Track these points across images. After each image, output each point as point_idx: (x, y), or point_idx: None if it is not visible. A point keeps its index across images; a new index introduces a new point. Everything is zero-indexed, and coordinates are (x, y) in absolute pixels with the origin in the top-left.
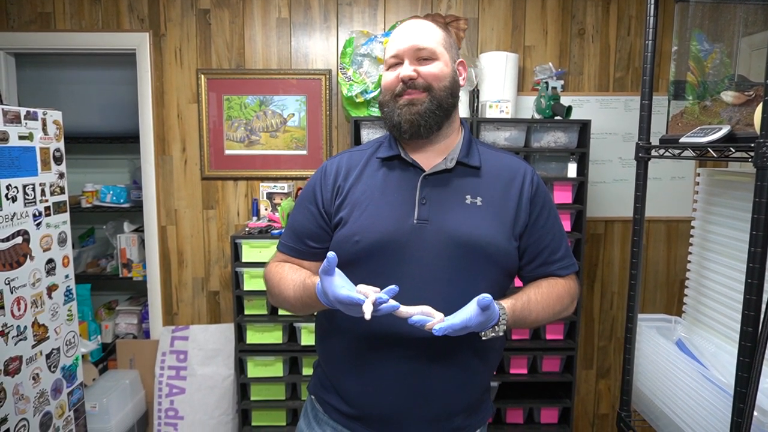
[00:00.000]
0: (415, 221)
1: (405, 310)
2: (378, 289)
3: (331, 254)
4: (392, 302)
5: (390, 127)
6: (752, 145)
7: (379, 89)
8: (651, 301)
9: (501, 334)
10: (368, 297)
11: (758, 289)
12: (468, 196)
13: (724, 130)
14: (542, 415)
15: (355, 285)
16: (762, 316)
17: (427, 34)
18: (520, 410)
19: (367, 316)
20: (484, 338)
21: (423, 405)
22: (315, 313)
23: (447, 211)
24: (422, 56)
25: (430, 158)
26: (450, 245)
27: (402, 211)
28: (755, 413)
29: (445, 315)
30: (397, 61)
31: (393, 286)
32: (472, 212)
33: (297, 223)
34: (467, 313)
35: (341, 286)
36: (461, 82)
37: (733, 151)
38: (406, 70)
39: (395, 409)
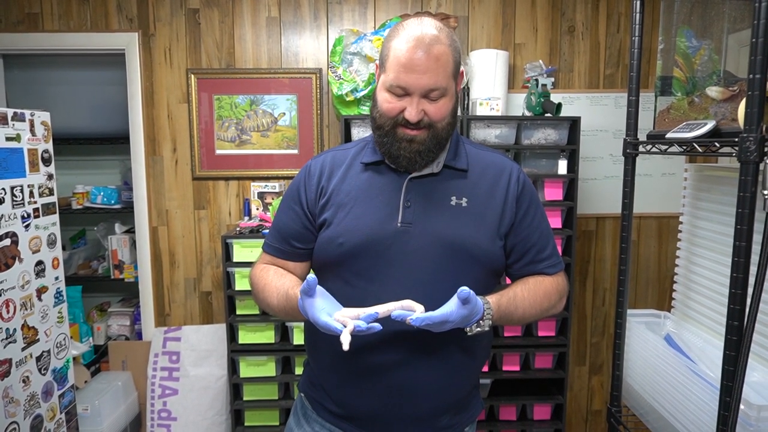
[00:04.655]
0: (398, 224)
1: (387, 307)
2: (358, 313)
3: (311, 277)
4: (374, 325)
5: (386, 154)
6: (736, 139)
7: (369, 87)
8: (643, 297)
9: (487, 329)
10: (346, 326)
11: (743, 283)
12: (453, 197)
13: (709, 125)
14: (535, 412)
15: (341, 286)
16: (747, 310)
17: (442, 69)
18: (513, 407)
19: (345, 347)
20: (469, 333)
21: (410, 404)
22: None
23: (431, 214)
24: (432, 97)
25: None
26: (434, 248)
27: (386, 214)
28: (741, 406)
29: None
30: (403, 93)
31: (372, 312)
32: (457, 213)
33: (282, 223)
34: (447, 307)
35: (321, 309)
36: (458, 89)
37: (718, 146)
38: (413, 113)
39: (383, 408)
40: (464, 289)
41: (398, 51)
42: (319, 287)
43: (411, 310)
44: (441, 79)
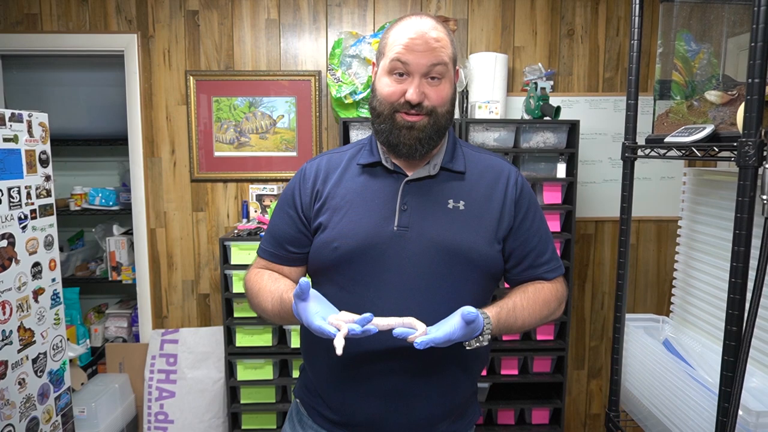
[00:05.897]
0: (395, 228)
1: (388, 322)
2: (353, 317)
3: (303, 281)
4: (369, 328)
5: (384, 143)
6: (735, 144)
7: (368, 90)
8: (641, 302)
9: (486, 343)
10: (340, 330)
11: (742, 288)
12: (450, 201)
13: (708, 129)
14: (533, 416)
15: (336, 291)
16: (746, 316)
17: (442, 48)
18: (511, 411)
19: (339, 351)
20: (468, 348)
21: (407, 412)
22: None
23: (428, 218)
24: (433, 74)
25: (413, 164)
26: (431, 252)
27: (382, 218)
28: (740, 412)
29: (427, 322)
30: (404, 71)
31: (367, 315)
32: (454, 217)
33: (276, 227)
34: (450, 326)
35: (315, 312)
36: (455, 81)
37: (717, 150)
38: (415, 93)
39: (379, 415)
40: (471, 312)
41: (398, 36)
42: (312, 290)
43: (413, 328)
44: (442, 56)
